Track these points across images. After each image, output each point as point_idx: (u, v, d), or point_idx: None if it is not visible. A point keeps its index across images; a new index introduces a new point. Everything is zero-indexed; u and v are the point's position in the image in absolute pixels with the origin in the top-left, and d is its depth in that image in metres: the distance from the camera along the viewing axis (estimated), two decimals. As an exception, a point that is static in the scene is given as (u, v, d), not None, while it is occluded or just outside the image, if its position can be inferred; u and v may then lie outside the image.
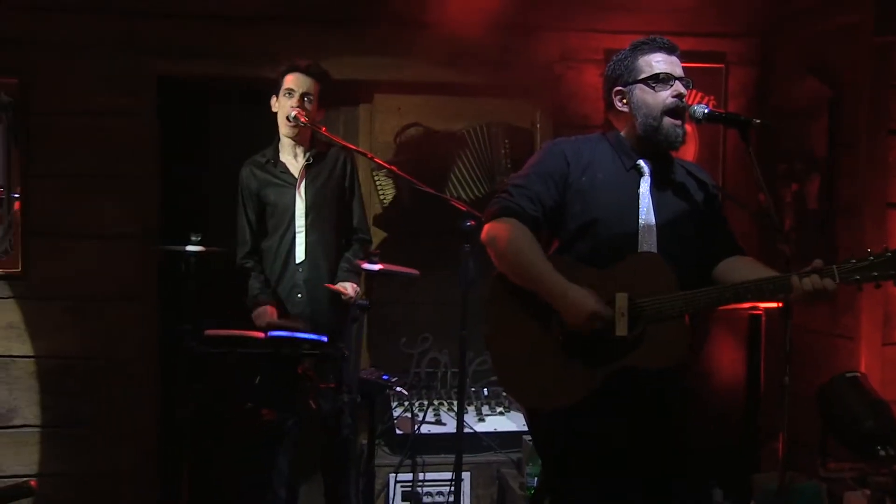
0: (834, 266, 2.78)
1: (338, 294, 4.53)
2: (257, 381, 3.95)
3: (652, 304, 2.93)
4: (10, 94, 4.78)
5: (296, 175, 4.55)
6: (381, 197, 5.22)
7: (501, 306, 3.13)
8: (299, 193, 4.53)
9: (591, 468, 3.05)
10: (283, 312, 4.49)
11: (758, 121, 3.07)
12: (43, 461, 4.89)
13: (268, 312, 4.46)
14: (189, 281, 4.20)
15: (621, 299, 2.94)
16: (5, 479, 4.72)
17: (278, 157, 4.59)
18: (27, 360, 4.88)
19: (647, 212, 3.05)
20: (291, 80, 4.47)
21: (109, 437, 4.91)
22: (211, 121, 5.47)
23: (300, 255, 4.54)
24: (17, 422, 4.88)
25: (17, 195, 4.81)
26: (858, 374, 4.18)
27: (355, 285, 4.53)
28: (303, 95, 4.46)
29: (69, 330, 4.89)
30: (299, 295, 4.54)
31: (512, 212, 3.05)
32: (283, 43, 4.74)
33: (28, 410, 4.88)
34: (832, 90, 4.59)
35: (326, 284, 4.47)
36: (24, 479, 4.66)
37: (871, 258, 2.75)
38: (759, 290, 2.87)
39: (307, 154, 4.57)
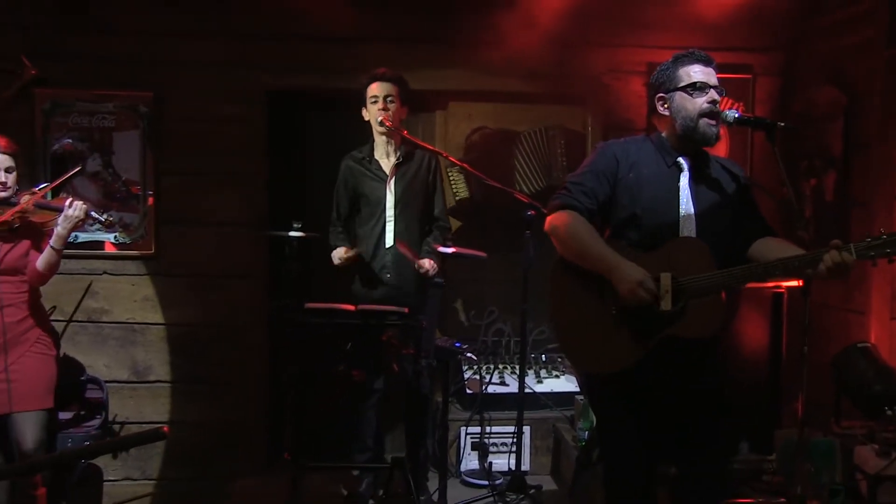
0: (851, 244, 2.78)
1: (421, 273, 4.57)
2: (349, 346, 3.95)
3: (692, 281, 2.94)
4: (147, 106, 4.90)
5: (387, 172, 4.54)
6: (454, 190, 5.21)
7: (562, 286, 3.15)
8: (389, 188, 4.51)
9: (634, 424, 3.09)
10: (371, 283, 4.51)
11: (782, 124, 3.07)
12: (173, 410, 5.03)
13: (342, 251, 4.46)
14: (292, 261, 4.23)
15: (665, 278, 2.95)
16: (144, 424, 4.91)
17: (373, 154, 4.57)
18: (159, 326, 5.01)
19: (686, 203, 3.05)
20: (375, 88, 4.46)
21: (227, 393, 5.03)
22: (309, 125, 5.51)
23: (389, 240, 4.51)
24: (152, 378, 5.02)
25: (151, 190, 4.94)
26: (869, 345, 4.16)
27: (432, 261, 4.48)
28: (385, 98, 4.44)
29: (193, 302, 5.01)
30: (388, 275, 4.52)
31: (570, 205, 3.08)
32: (372, 59, 4.71)
33: (161, 369, 5.01)
34: (848, 97, 4.53)
35: (403, 249, 4.43)
36: (159, 424, 4.70)
37: (884, 237, 2.75)
38: (786, 267, 2.87)
39: (398, 153, 4.56)
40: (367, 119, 4.55)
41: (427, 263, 4.48)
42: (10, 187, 3.90)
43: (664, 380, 3.04)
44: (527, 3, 4.83)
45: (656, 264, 2.98)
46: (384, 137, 4.53)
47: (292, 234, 4.19)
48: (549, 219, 3.13)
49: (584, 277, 3.07)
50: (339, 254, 4.48)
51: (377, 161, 4.58)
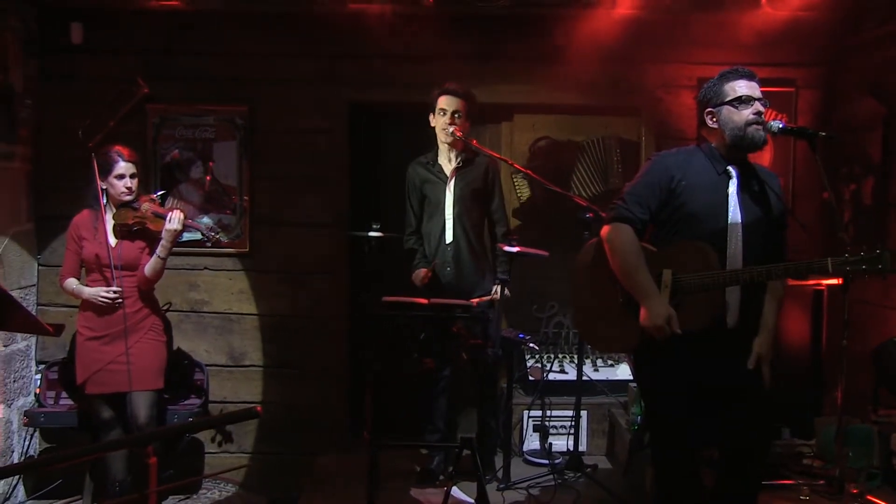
0: (828, 259, 2.86)
1: (479, 267, 4.57)
2: (421, 337, 3.99)
3: (690, 279, 3.04)
4: (242, 118, 5.07)
5: (447, 175, 4.56)
6: (518, 194, 5.28)
7: (581, 275, 3.39)
8: (449, 189, 4.51)
9: (680, 410, 3.15)
10: (434, 277, 4.50)
11: (823, 133, 3.11)
12: (265, 392, 5.17)
13: (422, 273, 4.50)
14: (371, 259, 4.32)
15: (666, 274, 3.07)
16: (239, 404, 5.07)
17: (437, 159, 4.58)
18: (253, 317, 5.16)
19: (734, 210, 3.10)
20: (444, 101, 4.45)
21: (312, 377, 5.15)
22: (386, 135, 5.55)
23: (449, 237, 4.53)
24: (246, 362, 5.18)
25: (246, 195, 5.08)
26: (905, 339, 4.16)
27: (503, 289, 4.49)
28: (453, 113, 4.43)
29: (283, 295, 5.15)
30: (448, 269, 4.54)
31: (626, 218, 3.16)
32: (445, 75, 4.71)
33: (254, 354, 5.17)
34: (887, 108, 4.52)
35: (477, 301, 4.37)
36: (252, 404, 4.96)
37: (862, 255, 2.81)
38: (769, 273, 3.01)
39: (458, 158, 4.55)
40: (433, 125, 4.56)
41: (497, 293, 4.49)
42: (134, 191, 4.15)
43: (710, 369, 3.09)
44: (586, 23, 4.89)
45: (662, 261, 3.10)
46: (447, 145, 4.56)
47: (372, 234, 4.27)
48: (605, 228, 3.23)
49: (600, 269, 3.23)
50: (419, 277, 4.53)
51: (440, 165, 4.59)
